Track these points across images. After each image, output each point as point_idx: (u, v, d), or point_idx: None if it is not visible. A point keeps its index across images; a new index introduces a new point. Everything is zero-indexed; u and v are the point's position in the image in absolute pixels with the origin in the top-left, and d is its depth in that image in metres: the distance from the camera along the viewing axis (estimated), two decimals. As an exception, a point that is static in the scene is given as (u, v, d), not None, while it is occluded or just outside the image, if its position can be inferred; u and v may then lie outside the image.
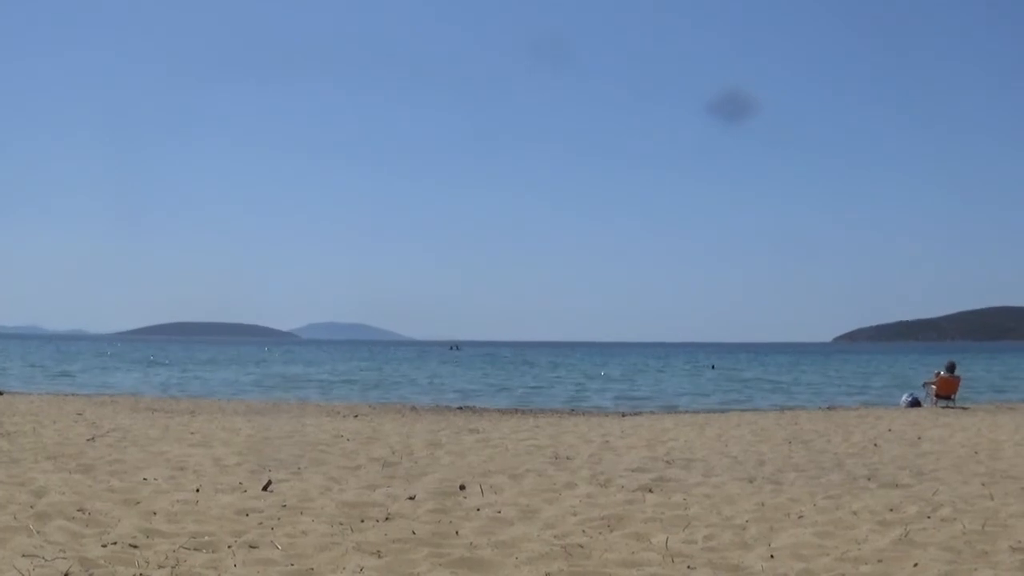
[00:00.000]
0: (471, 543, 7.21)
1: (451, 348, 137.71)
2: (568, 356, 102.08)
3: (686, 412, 25.71)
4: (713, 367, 65.24)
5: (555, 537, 7.47)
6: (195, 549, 6.79)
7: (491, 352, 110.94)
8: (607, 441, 15.29)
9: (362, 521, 7.93)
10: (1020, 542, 7.24)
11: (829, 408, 26.06)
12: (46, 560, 6.24)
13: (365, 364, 70.20)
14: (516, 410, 26.81)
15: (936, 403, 24.93)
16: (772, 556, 6.89)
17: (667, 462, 12.58)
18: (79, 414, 19.15)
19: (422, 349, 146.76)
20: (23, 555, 6.35)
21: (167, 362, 66.36)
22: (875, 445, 14.95)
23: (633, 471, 11.53)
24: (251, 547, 6.89)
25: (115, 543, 6.84)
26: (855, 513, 8.56)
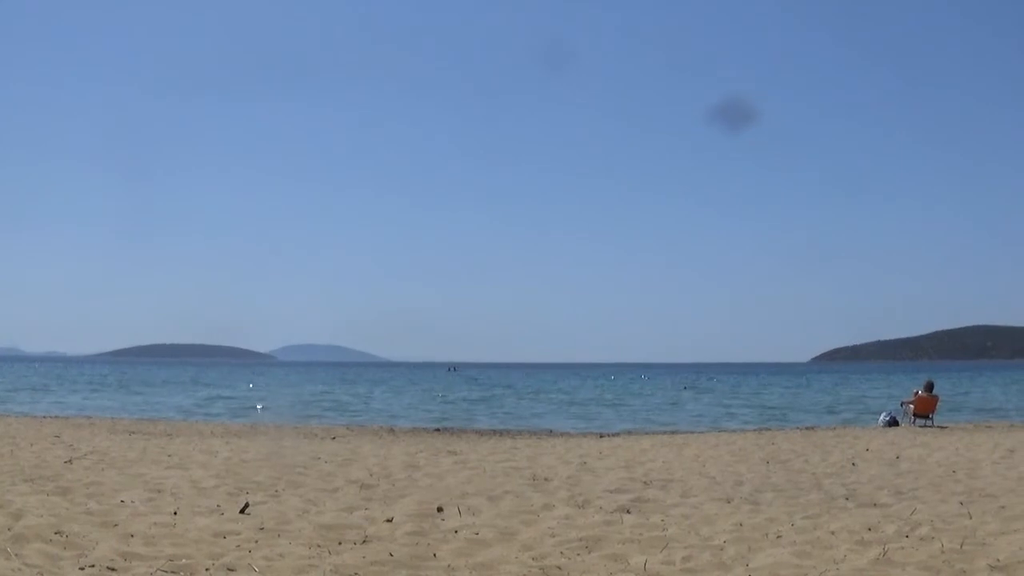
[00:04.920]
0: (449, 565, 7.21)
1: (449, 369, 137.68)
2: (547, 377, 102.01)
3: (664, 433, 25.73)
4: (685, 388, 65.30)
5: (533, 559, 7.48)
6: (173, 572, 6.76)
7: (475, 375, 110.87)
8: (585, 462, 15.30)
9: (340, 543, 7.91)
10: (998, 560, 7.29)
11: (807, 428, 26.13)
12: (21, 584, 6.20)
13: (346, 386, 69.90)
14: (494, 431, 26.79)
15: (914, 422, 25.04)
16: (750, 576, 6.91)
17: (645, 483, 12.60)
18: (56, 436, 19.01)
19: (411, 370, 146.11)
20: (-2, 579, 6.31)
21: (143, 384, 65.93)
22: (853, 465, 15.02)
23: (611, 492, 11.54)
24: (229, 570, 6.86)
25: (93, 566, 6.81)
26: (833, 533, 8.59)
